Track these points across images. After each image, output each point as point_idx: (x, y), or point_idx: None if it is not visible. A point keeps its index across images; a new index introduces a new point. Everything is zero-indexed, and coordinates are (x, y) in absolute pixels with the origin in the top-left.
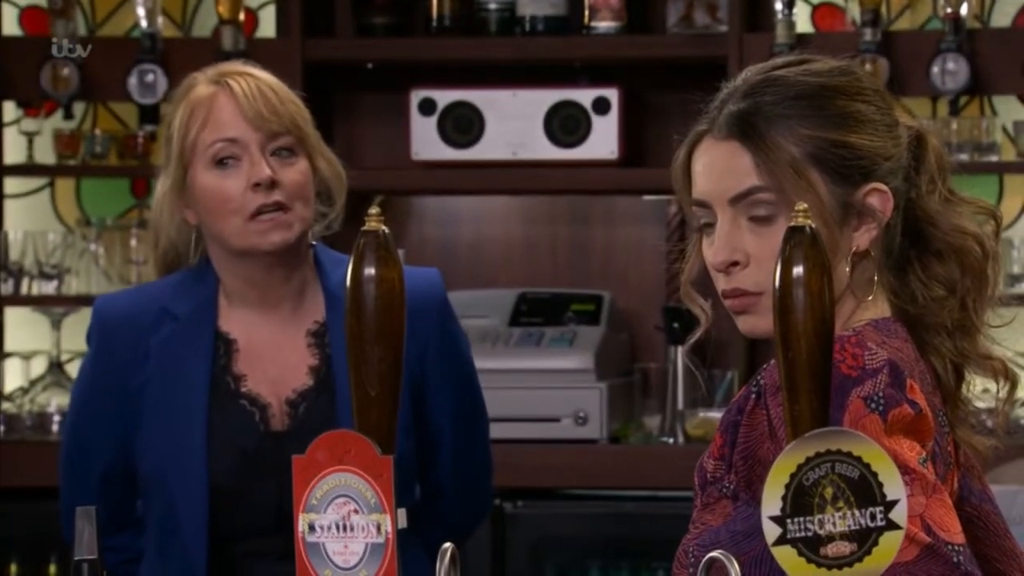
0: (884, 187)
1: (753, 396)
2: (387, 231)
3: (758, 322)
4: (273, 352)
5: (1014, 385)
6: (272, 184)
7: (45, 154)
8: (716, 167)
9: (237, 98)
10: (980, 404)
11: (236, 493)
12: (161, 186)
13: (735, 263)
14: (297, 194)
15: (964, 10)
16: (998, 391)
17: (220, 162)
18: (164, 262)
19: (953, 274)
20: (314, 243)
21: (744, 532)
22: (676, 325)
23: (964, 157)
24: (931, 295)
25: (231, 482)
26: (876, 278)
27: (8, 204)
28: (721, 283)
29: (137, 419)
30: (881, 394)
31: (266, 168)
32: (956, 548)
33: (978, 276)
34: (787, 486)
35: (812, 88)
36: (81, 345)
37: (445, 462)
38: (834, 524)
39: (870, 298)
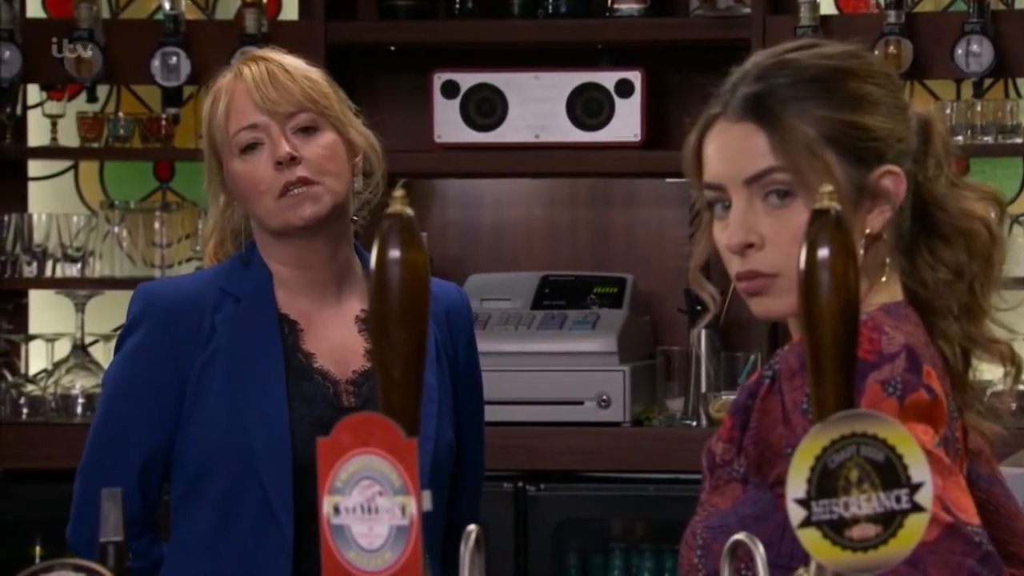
0: (898, 169)
1: (767, 381)
2: (412, 213)
3: (772, 304)
4: (331, 334)
5: (1019, 369)
6: (294, 160)
7: (69, 137)
8: (730, 149)
9: (248, 84)
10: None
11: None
12: (206, 177)
13: (750, 245)
14: (323, 168)
15: None
16: (1005, 375)
17: (246, 149)
18: (217, 253)
19: (960, 258)
20: (355, 218)
21: (753, 515)
22: (699, 308)
23: (988, 139)
24: (939, 279)
25: (311, 454)
26: (889, 261)
27: (32, 187)
28: (735, 265)
29: (196, 398)
30: (899, 378)
31: (285, 146)
32: (975, 528)
33: (985, 260)
34: (812, 469)
35: (825, 70)
36: (105, 327)
37: (464, 465)
38: (859, 506)
39: (883, 280)
